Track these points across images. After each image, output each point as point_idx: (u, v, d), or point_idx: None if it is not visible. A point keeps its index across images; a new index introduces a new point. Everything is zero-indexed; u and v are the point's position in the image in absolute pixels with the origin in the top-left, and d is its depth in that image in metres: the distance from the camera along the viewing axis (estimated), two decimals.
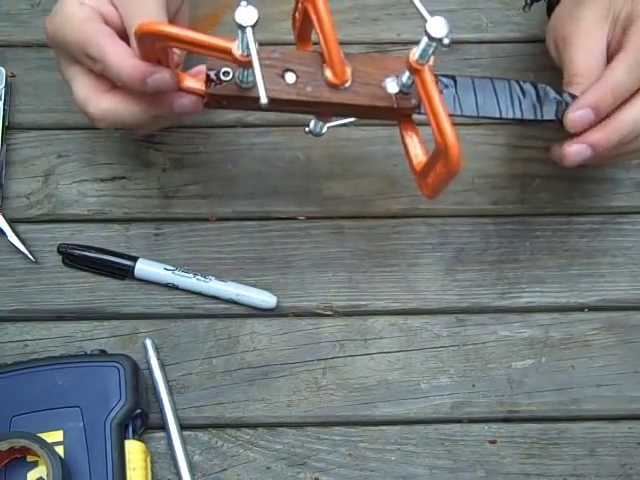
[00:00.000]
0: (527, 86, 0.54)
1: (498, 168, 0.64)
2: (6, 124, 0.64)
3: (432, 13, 0.69)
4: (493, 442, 0.57)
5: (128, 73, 0.51)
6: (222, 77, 0.51)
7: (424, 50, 0.47)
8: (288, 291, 0.61)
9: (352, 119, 0.55)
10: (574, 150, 0.54)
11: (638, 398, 0.58)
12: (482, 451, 0.57)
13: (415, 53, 0.47)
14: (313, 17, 0.50)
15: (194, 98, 0.52)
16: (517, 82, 0.54)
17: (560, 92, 0.54)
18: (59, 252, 0.61)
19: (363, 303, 0.61)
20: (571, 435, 0.57)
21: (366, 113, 0.52)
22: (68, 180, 0.63)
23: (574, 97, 0.54)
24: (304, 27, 0.54)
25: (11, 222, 0.62)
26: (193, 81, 0.52)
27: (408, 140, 0.52)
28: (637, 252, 0.62)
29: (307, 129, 0.56)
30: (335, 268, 0.61)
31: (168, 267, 0.60)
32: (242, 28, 0.44)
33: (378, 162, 0.63)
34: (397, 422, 0.58)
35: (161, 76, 0.51)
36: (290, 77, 0.50)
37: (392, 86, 0.51)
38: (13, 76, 0.66)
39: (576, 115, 0.53)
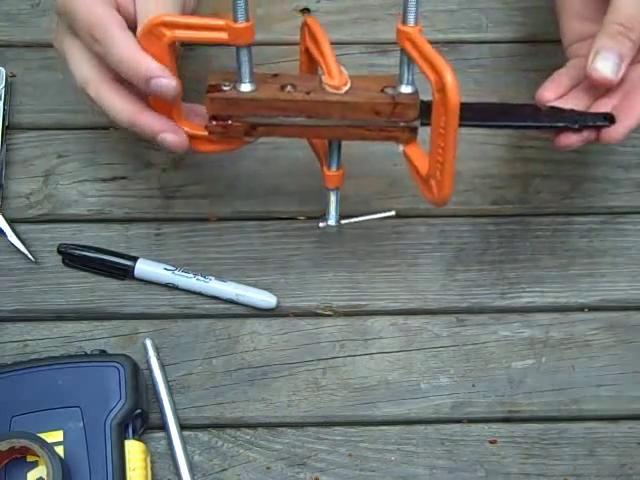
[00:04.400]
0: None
1: (498, 168, 0.64)
2: (6, 124, 0.64)
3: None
4: (493, 442, 0.57)
5: (133, 67, 0.50)
6: (223, 87, 0.51)
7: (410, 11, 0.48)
8: (288, 291, 0.61)
9: (373, 216, 0.56)
10: (622, 132, 0.53)
11: (638, 398, 0.58)
12: (482, 451, 0.57)
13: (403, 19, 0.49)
14: (309, 32, 0.52)
15: (179, 138, 0.52)
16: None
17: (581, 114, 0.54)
18: (59, 252, 0.61)
19: (363, 303, 0.61)
20: (571, 435, 0.57)
21: (366, 120, 0.51)
22: (68, 180, 0.63)
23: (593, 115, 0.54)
24: (309, 68, 0.55)
25: (11, 222, 0.62)
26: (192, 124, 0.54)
27: (410, 151, 0.52)
28: (637, 252, 0.62)
29: (321, 224, 0.57)
30: (335, 268, 0.61)
31: (168, 267, 0.60)
32: None
33: (378, 162, 0.63)
34: (397, 422, 0.58)
35: (168, 82, 0.50)
36: (289, 88, 0.51)
37: (391, 92, 0.51)
38: (13, 76, 0.66)
39: (619, 135, 0.53)
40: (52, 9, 0.54)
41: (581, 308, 0.61)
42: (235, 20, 0.48)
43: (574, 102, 0.55)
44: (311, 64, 0.54)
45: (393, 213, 0.57)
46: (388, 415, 0.58)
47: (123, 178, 0.64)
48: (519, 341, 0.60)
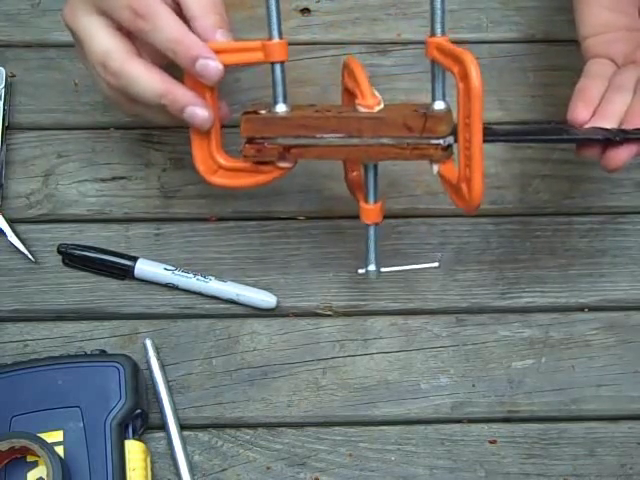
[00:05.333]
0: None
1: (498, 168, 0.64)
2: (6, 124, 0.64)
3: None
4: (493, 442, 0.57)
5: (182, 45, 0.50)
6: (259, 112, 0.53)
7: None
8: (288, 291, 0.61)
9: (416, 266, 0.57)
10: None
11: (638, 398, 0.58)
12: (482, 451, 0.57)
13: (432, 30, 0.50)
14: (348, 71, 0.54)
15: (207, 114, 0.52)
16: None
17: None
18: (59, 252, 0.61)
19: (363, 303, 0.61)
20: (571, 435, 0.57)
21: (398, 137, 0.51)
22: (68, 180, 0.63)
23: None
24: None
25: (11, 222, 0.62)
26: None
27: (446, 171, 0.52)
28: (637, 252, 0.62)
29: (360, 271, 0.56)
30: (335, 268, 0.61)
31: (168, 267, 0.60)
32: None
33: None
34: (397, 422, 0.58)
35: (215, 64, 0.50)
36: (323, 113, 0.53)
37: (423, 110, 0.51)
38: (13, 76, 0.66)
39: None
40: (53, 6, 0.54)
41: (581, 308, 0.61)
42: (270, 37, 0.51)
43: (611, 109, 0.52)
44: (351, 101, 0.54)
45: (437, 265, 0.57)
46: (388, 415, 0.58)
47: (123, 178, 0.64)
48: (519, 341, 0.60)
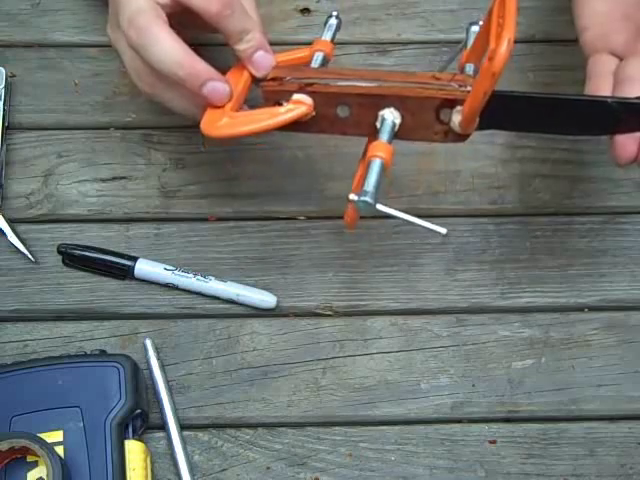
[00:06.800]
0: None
1: (498, 168, 0.64)
2: (6, 124, 0.64)
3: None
4: (493, 442, 0.57)
5: (255, 37, 0.54)
6: None
7: None
8: (288, 291, 0.61)
9: (421, 222, 0.50)
10: None
11: (638, 398, 0.58)
12: (482, 451, 0.57)
13: None
14: None
15: (228, 88, 0.53)
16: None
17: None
18: (59, 252, 0.61)
19: (363, 303, 0.61)
20: (571, 435, 0.57)
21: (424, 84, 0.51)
22: (68, 180, 0.63)
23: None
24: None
25: (11, 222, 0.62)
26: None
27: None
28: (637, 252, 0.62)
29: (353, 197, 0.48)
30: (335, 268, 0.61)
31: (168, 267, 0.60)
32: None
33: None
34: (397, 422, 0.58)
35: (271, 58, 0.54)
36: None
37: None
38: (13, 76, 0.66)
39: None
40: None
41: (581, 308, 0.61)
42: (322, 35, 0.57)
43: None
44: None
45: (444, 232, 0.50)
46: (388, 415, 0.58)
47: (123, 178, 0.64)
48: (519, 341, 0.60)
